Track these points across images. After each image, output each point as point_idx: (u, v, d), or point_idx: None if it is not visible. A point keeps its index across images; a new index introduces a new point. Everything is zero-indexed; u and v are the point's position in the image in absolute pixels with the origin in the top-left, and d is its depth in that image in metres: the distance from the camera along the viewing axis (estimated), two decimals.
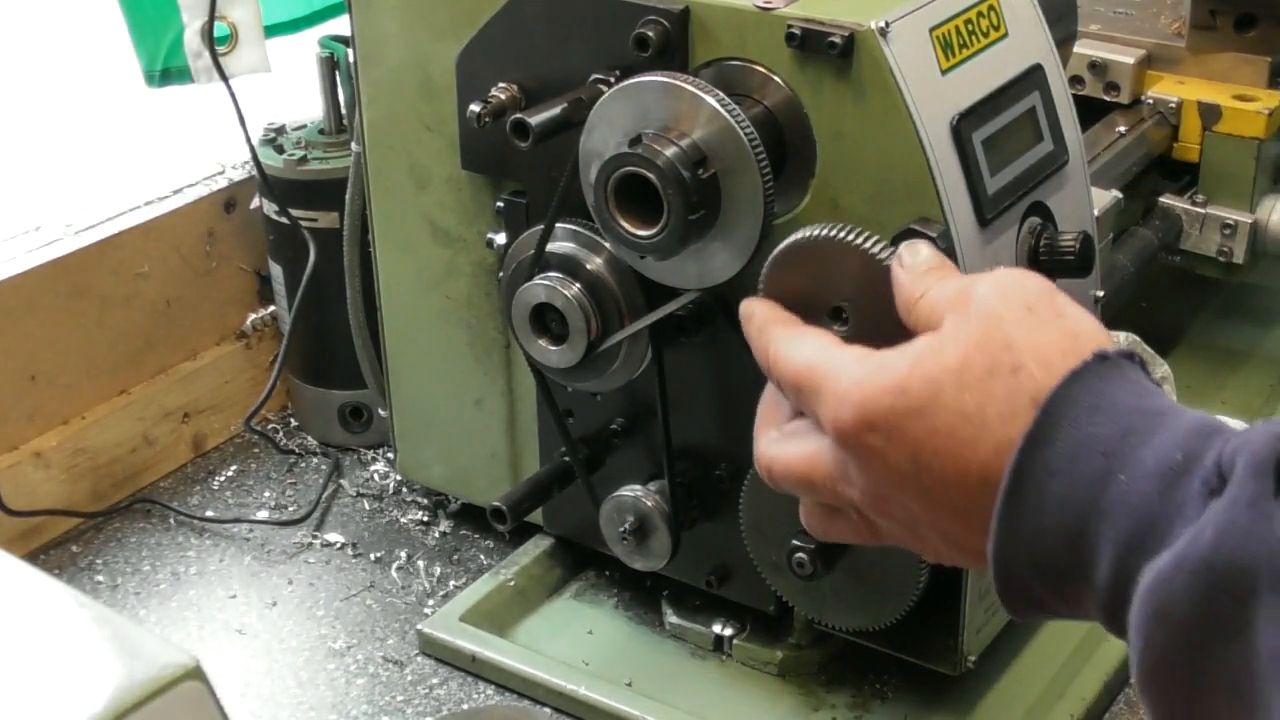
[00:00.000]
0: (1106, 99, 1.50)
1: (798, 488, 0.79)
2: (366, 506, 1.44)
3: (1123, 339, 1.31)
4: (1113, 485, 0.64)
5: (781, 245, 0.85)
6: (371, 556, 1.37)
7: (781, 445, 0.79)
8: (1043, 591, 0.68)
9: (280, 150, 1.45)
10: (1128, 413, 0.66)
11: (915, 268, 0.77)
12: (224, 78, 1.42)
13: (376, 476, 1.48)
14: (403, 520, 1.42)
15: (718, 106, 0.97)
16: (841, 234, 0.82)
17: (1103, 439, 0.65)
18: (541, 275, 1.10)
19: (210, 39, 1.41)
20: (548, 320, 1.11)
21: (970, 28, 1.03)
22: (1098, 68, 1.49)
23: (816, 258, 0.84)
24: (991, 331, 0.70)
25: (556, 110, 1.03)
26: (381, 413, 1.43)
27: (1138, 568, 0.63)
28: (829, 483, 0.76)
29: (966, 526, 0.70)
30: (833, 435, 0.74)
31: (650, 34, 1.02)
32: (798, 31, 0.98)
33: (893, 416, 0.70)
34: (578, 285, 1.09)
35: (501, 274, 1.16)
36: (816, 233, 0.83)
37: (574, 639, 1.25)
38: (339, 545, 1.39)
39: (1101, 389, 0.67)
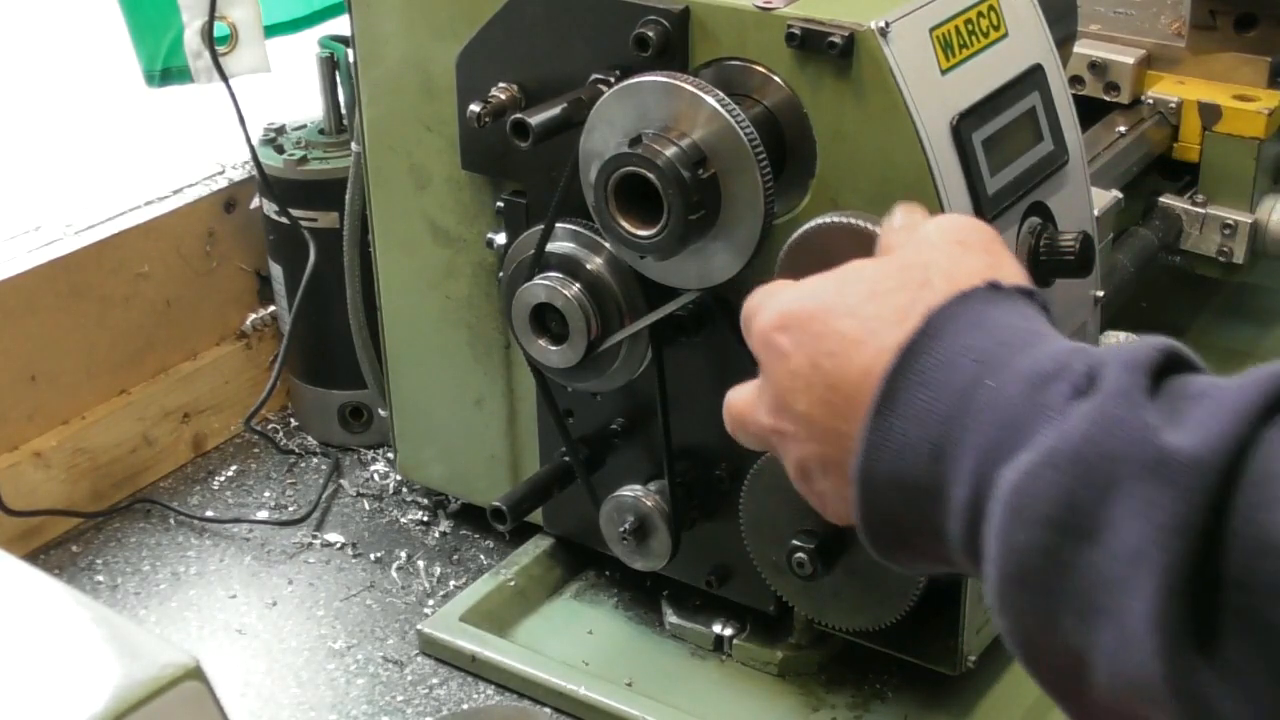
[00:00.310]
0: (1106, 99, 1.50)
1: (735, 426, 0.79)
2: (366, 506, 1.44)
3: (1123, 339, 1.31)
4: (980, 391, 0.63)
5: (799, 230, 0.85)
6: (371, 556, 1.37)
7: (738, 390, 0.79)
8: (905, 514, 0.67)
9: (280, 150, 1.45)
10: (1007, 329, 0.66)
11: (895, 225, 0.78)
12: (224, 78, 1.42)
13: (376, 476, 1.48)
14: (403, 520, 1.42)
15: (718, 106, 0.97)
16: (859, 221, 0.83)
17: (976, 349, 0.65)
18: (541, 275, 1.10)
19: (210, 39, 1.41)
20: (548, 320, 1.11)
21: (970, 28, 1.03)
22: (1098, 68, 1.49)
23: (833, 244, 0.84)
24: (917, 255, 0.71)
25: (556, 110, 1.03)
26: (381, 413, 1.43)
27: (997, 476, 0.61)
28: (750, 410, 0.76)
29: (842, 447, 0.69)
30: (757, 344, 0.74)
31: (650, 34, 1.02)
32: (798, 31, 0.98)
33: (802, 315, 0.72)
34: (578, 285, 1.09)
35: (501, 274, 1.16)
36: (834, 219, 0.84)
37: (574, 639, 1.25)
38: (339, 545, 1.39)
39: (986, 310, 0.67)
